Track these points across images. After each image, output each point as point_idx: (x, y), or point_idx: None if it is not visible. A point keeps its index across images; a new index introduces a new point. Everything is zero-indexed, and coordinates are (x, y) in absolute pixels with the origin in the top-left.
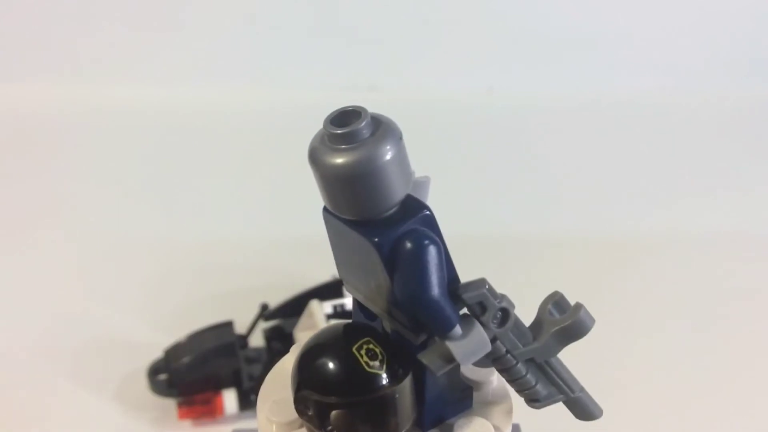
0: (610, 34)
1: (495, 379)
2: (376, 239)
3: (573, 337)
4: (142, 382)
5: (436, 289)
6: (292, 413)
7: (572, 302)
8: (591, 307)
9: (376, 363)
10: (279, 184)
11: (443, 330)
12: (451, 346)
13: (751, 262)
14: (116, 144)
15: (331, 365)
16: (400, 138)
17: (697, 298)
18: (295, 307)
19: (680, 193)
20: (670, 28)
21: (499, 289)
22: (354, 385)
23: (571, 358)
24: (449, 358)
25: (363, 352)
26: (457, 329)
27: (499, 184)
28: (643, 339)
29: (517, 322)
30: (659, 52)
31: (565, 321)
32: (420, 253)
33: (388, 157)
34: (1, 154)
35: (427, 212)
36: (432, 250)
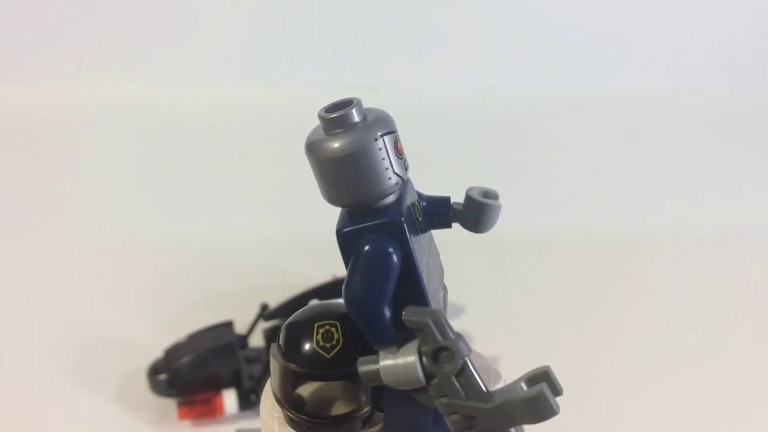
0: (610, 34)
1: None
2: (337, 227)
3: (530, 415)
4: (142, 382)
5: (363, 291)
6: None
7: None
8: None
9: (326, 345)
10: (279, 184)
11: (371, 339)
12: (380, 360)
13: (751, 262)
14: (116, 144)
15: (293, 336)
16: (394, 130)
17: (698, 297)
18: (295, 307)
19: (680, 193)
20: (670, 28)
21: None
22: (302, 356)
23: (571, 356)
24: (375, 373)
25: (322, 331)
26: (391, 346)
27: (498, 184)
28: (643, 339)
29: (468, 373)
30: (659, 52)
31: (527, 394)
32: (359, 252)
33: (378, 140)
34: (1, 154)
35: (387, 219)
36: (371, 254)
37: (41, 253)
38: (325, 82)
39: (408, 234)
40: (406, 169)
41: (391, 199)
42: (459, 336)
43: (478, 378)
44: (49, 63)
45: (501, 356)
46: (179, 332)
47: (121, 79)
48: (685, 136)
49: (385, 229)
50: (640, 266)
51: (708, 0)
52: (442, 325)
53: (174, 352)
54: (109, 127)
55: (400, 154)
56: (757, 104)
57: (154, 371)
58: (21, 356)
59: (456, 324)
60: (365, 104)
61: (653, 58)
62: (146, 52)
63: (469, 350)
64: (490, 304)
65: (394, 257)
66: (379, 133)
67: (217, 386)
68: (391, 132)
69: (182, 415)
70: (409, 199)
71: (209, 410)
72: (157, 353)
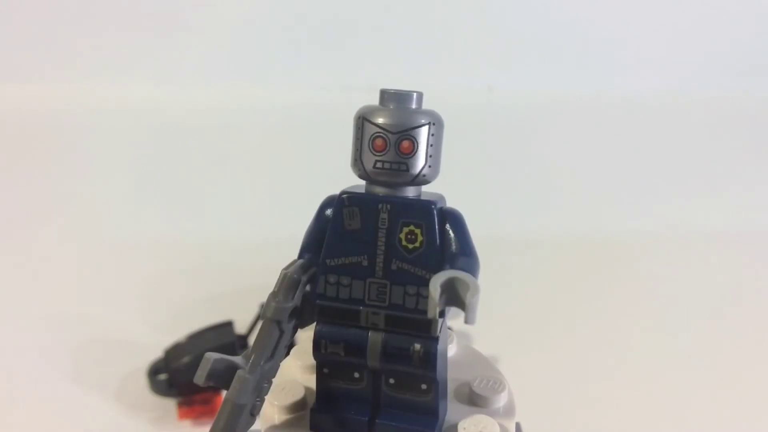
0: (610, 35)
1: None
2: None
3: None
4: (142, 382)
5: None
6: (292, 397)
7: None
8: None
9: None
10: (279, 183)
11: None
12: None
13: (748, 262)
14: (116, 144)
15: None
16: (383, 127)
17: (695, 297)
18: None
19: (679, 192)
20: (669, 29)
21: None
22: None
23: (569, 355)
24: None
25: None
26: None
27: (498, 184)
28: (642, 338)
29: (234, 386)
30: (658, 52)
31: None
32: None
33: (358, 120)
34: (1, 154)
35: (337, 194)
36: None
37: (41, 253)
38: (325, 82)
39: (336, 217)
40: (377, 169)
41: (366, 188)
42: (256, 365)
43: (236, 390)
44: (48, 63)
45: (501, 356)
46: (179, 332)
47: (120, 79)
48: (684, 136)
49: (338, 199)
50: (639, 265)
51: (707, 1)
52: (260, 349)
53: (174, 352)
54: (109, 126)
55: (377, 151)
56: (756, 104)
57: (154, 371)
58: (21, 356)
59: (456, 324)
60: (362, 103)
61: (652, 59)
62: (146, 52)
63: (247, 379)
64: (490, 304)
65: (326, 213)
66: (362, 117)
67: None
68: (376, 126)
69: (182, 415)
70: (391, 216)
71: (209, 410)
72: (157, 353)
